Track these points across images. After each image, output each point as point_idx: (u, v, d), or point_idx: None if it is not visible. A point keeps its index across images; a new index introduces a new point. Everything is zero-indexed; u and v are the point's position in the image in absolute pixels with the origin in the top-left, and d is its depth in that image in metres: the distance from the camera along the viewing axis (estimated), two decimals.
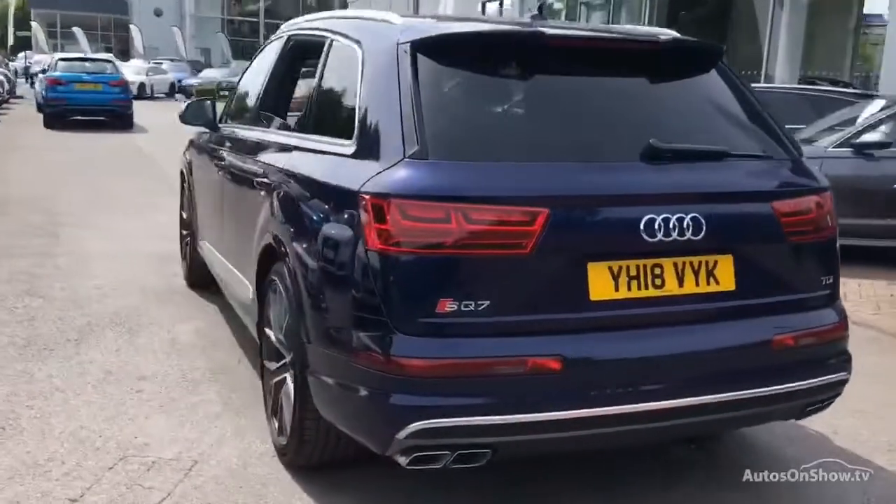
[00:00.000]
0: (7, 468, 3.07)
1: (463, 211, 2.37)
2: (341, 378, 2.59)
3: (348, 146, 2.76)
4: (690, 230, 2.50)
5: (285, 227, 3.00)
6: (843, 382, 2.82)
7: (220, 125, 4.76)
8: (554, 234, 2.39)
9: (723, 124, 2.92)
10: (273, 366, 3.29)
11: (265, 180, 3.38)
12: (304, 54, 4.01)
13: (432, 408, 2.38)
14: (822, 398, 2.80)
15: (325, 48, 3.35)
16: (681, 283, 2.55)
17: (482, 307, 2.39)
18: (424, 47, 2.69)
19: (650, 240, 2.47)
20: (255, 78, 4.47)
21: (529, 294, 2.43)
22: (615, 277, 2.48)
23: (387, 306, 2.43)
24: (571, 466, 3.16)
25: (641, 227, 2.46)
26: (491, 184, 2.45)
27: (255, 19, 55.07)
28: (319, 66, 3.35)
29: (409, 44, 2.72)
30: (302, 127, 3.34)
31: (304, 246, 2.82)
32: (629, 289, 2.49)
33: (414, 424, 2.38)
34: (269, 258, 3.24)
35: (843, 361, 2.82)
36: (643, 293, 2.51)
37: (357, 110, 2.79)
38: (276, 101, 4.07)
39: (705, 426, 2.76)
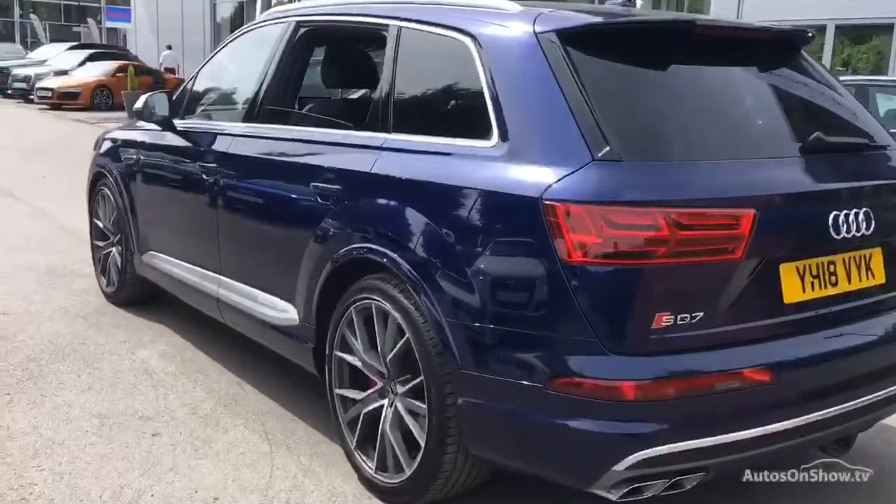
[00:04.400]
0: None
1: (673, 216, 2.20)
2: (523, 407, 2.35)
3: (490, 148, 2.49)
4: (864, 225, 2.49)
5: (397, 239, 2.67)
6: None
7: (177, 122, 4.21)
8: (759, 237, 2.29)
9: (836, 113, 2.94)
10: (358, 395, 2.94)
11: (329, 186, 3.00)
12: (328, 43, 3.59)
13: (655, 434, 2.21)
14: None
15: (392, 38, 3.01)
16: (849, 279, 2.54)
17: (696, 319, 2.25)
18: (571, 38, 2.48)
19: (836, 237, 2.44)
20: (239, 70, 3.98)
21: (736, 302, 2.31)
22: (801, 278, 2.43)
23: (595, 325, 2.22)
24: None
25: (829, 223, 2.42)
26: (696, 185, 2.31)
27: None
28: (387, 57, 3.01)
29: (553, 34, 2.49)
30: (374, 125, 2.98)
31: (442, 259, 2.52)
32: (812, 289, 2.45)
33: (635, 454, 2.20)
34: (351, 274, 2.89)
35: None
36: (823, 292, 2.48)
37: (491, 108, 2.53)
38: (294, 96, 3.63)
39: (866, 424, 2.77)
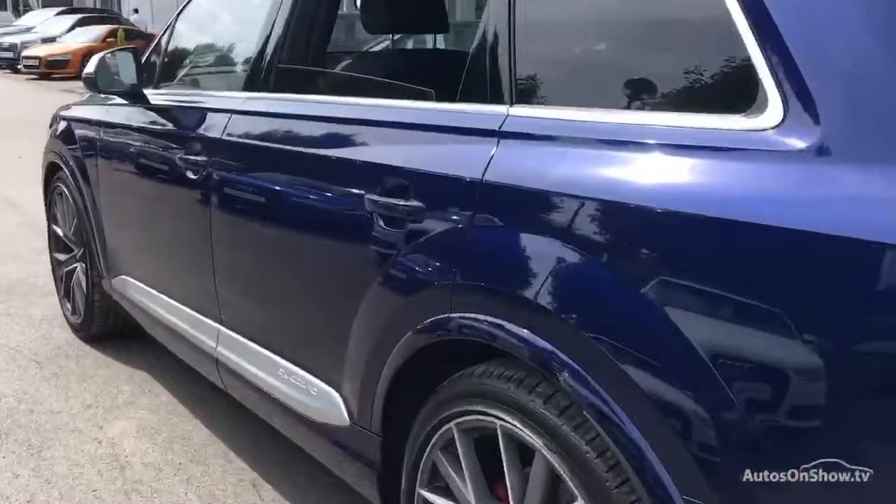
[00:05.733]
0: None
1: None
2: None
3: (769, 132, 1.18)
4: None
5: (546, 308, 1.37)
6: None
7: (149, 93, 2.91)
8: None
9: None
10: None
11: (399, 202, 1.70)
12: None
13: None
14: None
15: None
16: None
17: None
18: None
19: None
20: (235, 15, 2.67)
21: None
22: None
23: None
24: None
25: None
26: None
27: None
28: None
29: None
30: (477, 93, 1.67)
31: (658, 353, 1.23)
32: None
33: None
34: (450, 359, 1.61)
35: None
36: None
37: (758, 51, 1.21)
38: (322, 49, 2.33)
39: None
